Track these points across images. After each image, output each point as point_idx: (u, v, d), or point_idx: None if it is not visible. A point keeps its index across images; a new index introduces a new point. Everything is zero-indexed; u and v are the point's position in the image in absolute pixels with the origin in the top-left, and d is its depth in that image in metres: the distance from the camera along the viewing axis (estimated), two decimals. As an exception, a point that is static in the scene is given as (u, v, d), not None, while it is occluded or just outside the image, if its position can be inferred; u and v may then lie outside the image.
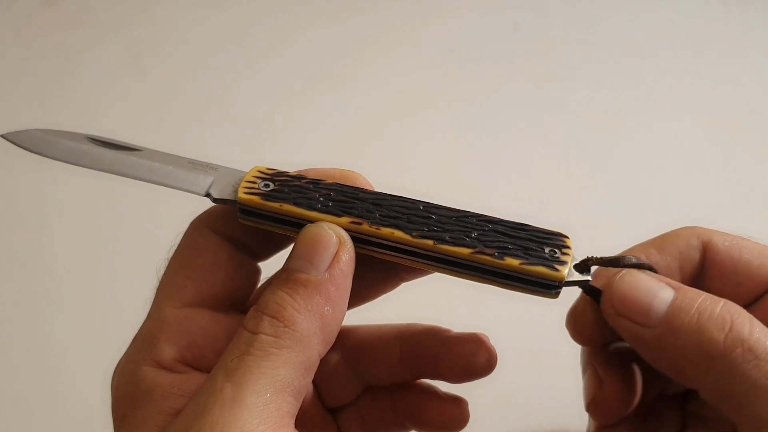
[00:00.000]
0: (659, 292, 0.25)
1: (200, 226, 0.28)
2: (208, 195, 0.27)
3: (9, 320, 0.49)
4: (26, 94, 0.64)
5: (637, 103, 0.63)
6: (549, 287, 0.26)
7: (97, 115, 0.62)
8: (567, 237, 0.27)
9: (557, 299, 0.26)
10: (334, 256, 0.25)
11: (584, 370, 0.31)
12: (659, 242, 0.29)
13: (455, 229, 0.27)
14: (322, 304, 0.25)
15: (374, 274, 0.30)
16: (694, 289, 0.25)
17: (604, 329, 0.27)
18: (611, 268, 0.27)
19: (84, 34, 0.69)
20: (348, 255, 0.26)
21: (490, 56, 0.68)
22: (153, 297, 0.28)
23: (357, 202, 0.27)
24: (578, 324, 0.29)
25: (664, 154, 0.59)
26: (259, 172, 0.28)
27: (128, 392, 0.26)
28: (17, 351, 0.48)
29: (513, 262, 0.26)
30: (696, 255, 0.28)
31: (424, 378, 0.32)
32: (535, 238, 0.27)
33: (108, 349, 0.28)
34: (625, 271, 0.26)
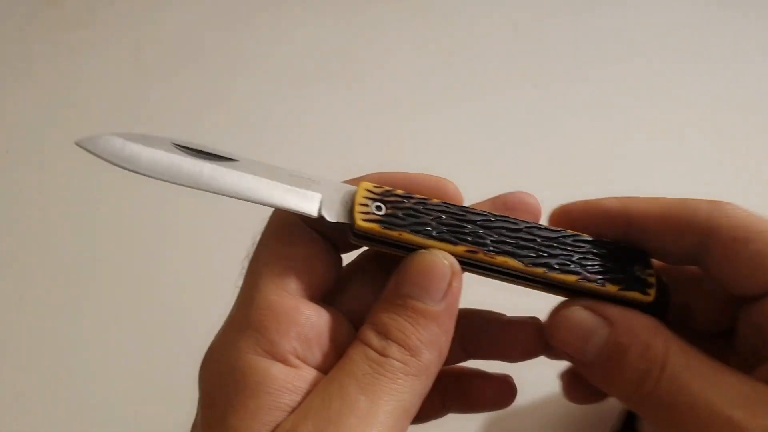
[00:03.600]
0: (592, 335, 0.26)
1: (290, 216, 0.27)
2: (321, 217, 0.26)
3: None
4: (28, 94, 0.63)
5: (636, 103, 0.64)
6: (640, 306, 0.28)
7: (99, 116, 0.62)
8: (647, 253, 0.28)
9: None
10: (448, 286, 0.26)
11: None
12: (667, 211, 0.29)
13: (559, 254, 0.27)
14: (440, 335, 0.26)
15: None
16: (628, 323, 0.26)
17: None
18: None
19: (87, 34, 0.69)
20: (459, 284, 0.26)
21: (489, 56, 0.68)
22: (245, 284, 0.26)
23: (467, 225, 0.27)
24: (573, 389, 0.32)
25: (664, 153, 0.60)
26: (368, 191, 0.27)
27: (234, 380, 0.24)
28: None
29: (612, 288, 0.27)
30: (694, 238, 0.27)
31: (479, 358, 0.33)
32: (622, 257, 0.28)
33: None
34: (564, 309, 0.27)
